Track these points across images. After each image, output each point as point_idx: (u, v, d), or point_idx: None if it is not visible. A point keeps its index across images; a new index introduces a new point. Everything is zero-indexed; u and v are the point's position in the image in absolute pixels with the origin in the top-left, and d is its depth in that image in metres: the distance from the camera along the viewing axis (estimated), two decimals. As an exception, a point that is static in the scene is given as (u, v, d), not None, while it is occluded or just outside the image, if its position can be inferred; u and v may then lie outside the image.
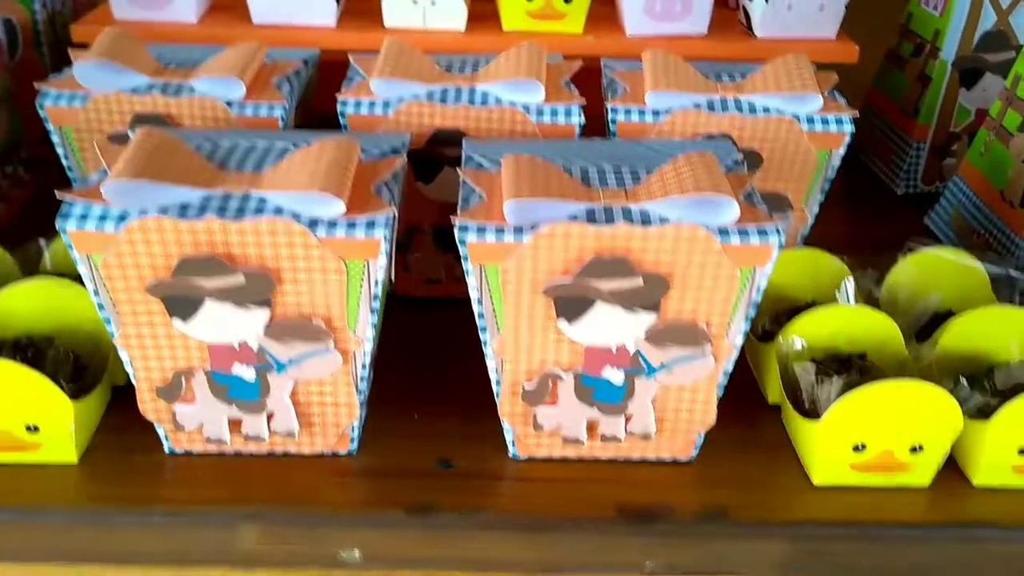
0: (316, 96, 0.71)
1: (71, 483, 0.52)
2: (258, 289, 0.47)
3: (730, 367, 0.50)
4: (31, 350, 0.53)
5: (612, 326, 0.48)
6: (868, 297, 0.62)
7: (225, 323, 0.48)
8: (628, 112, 0.62)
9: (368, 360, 0.50)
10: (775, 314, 0.60)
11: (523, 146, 0.54)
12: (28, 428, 0.51)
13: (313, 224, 0.45)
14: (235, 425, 0.52)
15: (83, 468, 0.52)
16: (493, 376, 0.51)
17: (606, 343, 0.49)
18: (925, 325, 0.59)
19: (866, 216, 0.85)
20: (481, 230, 0.46)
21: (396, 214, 0.47)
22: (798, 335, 0.56)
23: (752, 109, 0.61)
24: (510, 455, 0.54)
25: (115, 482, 0.52)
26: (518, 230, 0.46)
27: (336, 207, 0.45)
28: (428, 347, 0.63)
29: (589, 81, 0.67)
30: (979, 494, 0.53)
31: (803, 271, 0.62)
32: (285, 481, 0.52)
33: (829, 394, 0.51)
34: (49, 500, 0.51)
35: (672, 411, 0.51)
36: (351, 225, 0.46)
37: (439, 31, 0.78)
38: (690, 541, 0.51)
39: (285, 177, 0.47)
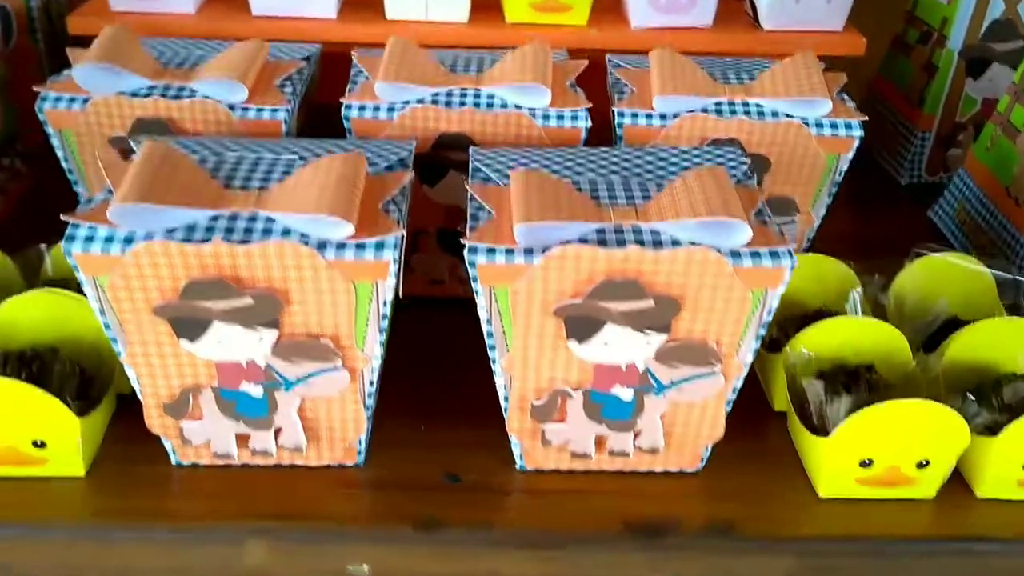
0: (318, 88, 0.69)
1: (77, 496, 0.52)
2: (266, 310, 0.46)
3: (739, 384, 0.50)
4: (36, 363, 0.53)
5: (622, 346, 0.48)
6: (874, 303, 0.62)
7: (232, 343, 0.47)
8: (635, 116, 0.61)
9: (376, 376, 0.50)
10: (781, 321, 0.60)
11: (530, 155, 0.54)
12: (35, 444, 0.51)
13: (321, 246, 0.45)
14: (242, 440, 0.52)
15: (90, 481, 0.52)
16: (501, 392, 0.51)
17: (616, 362, 0.48)
18: (932, 334, 0.59)
19: (870, 208, 0.85)
20: (491, 252, 0.45)
21: (404, 234, 0.46)
22: (806, 346, 0.55)
23: (760, 113, 0.61)
24: (517, 467, 0.54)
25: (122, 495, 0.52)
26: (528, 252, 0.45)
27: (344, 229, 0.45)
28: (432, 351, 0.63)
29: (593, 75, 0.66)
30: (983, 506, 0.53)
31: (809, 277, 0.61)
32: (292, 493, 0.52)
33: (838, 412, 0.51)
34: (56, 514, 0.51)
35: (680, 425, 0.51)
36: (360, 247, 0.45)
37: (442, 23, 0.76)
38: (697, 555, 0.51)
39: (292, 196, 0.46)
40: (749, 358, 0.49)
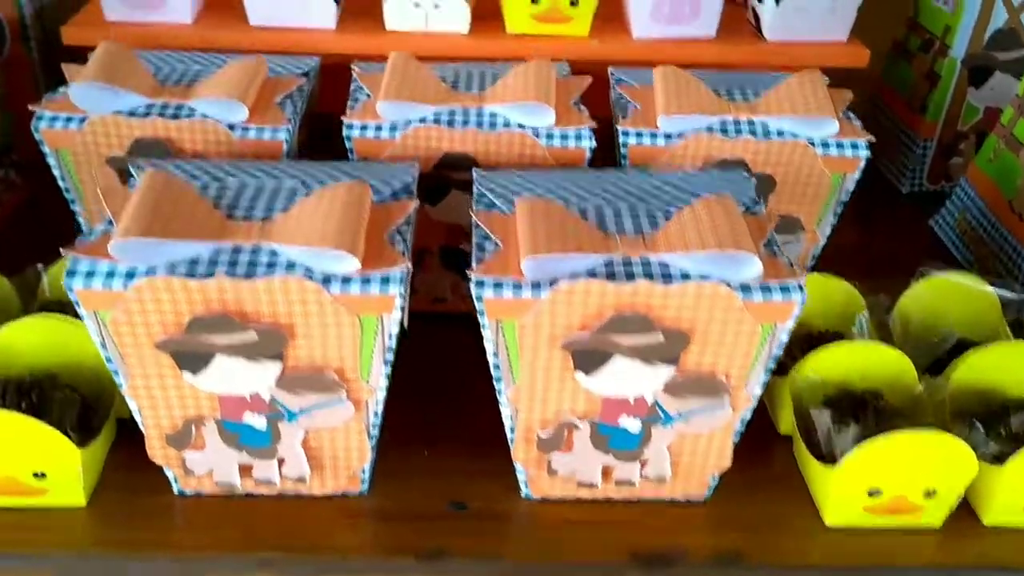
0: (318, 99, 0.68)
1: (79, 527, 0.51)
2: (270, 344, 0.46)
3: (748, 415, 0.50)
4: (35, 391, 0.52)
5: (631, 379, 0.47)
6: (880, 323, 0.61)
7: (236, 376, 0.47)
8: (640, 135, 0.60)
9: (381, 407, 0.50)
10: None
11: (535, 179, 0.53)
12: (35, 475, 0.50)
13: (326, 281, 0.44)
14: (246, 469, 0.51)
15: (91, 511, 0.52)
16: (507, 421, 0.50)
17: (624, 394, 0.48)
18: (939, 356, 0.59)
19: (872, 218, 0.84)
20: (498, 286, 0.45)
21: (410, 267, 0.45)
22: (813, 370, 0.55)
23: (766, 133, 0.60)
24: (523, 495, 0.53)
25: (124, 525, 0.51)
26: (536, 286, 0.45)
27: (350, 263, 0.44)
28: (436, 370, 0.62)
29: (594, 84, 0.65)
30: (990, 534, 0.53)
31: (814, 297, 0.61)
32: (296, 523, 0.52)
33: (846, 440, 0.51)
34: (57, 545, 0.50)
35: (687, 455, 0.51)
36: (365, 281, 0.44)
37: (442, 34, 0.75)
38: (704, 585, 0.51)
39: (296, 228, 0.45)
40: (758, 390, 0.49)
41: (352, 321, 0.45)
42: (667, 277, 0.45)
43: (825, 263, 0.66)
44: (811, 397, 0.55)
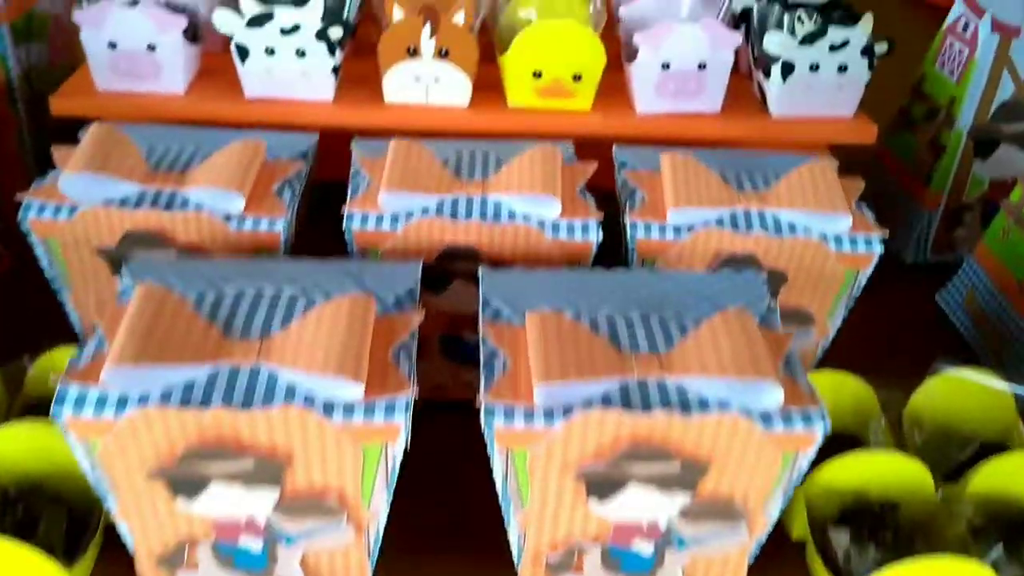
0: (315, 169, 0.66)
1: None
2: (268, 472, 0.44)
3: (764, 539, 0.48)
4: (21, 506, 0.50)
5: (646, 505, 0.45)
6: (893, 422, 0.60)
7: (232, 502, 0.45)
8: (648, 228, 0.59)
9: (382, 529, 0.47)
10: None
11: (543, 280, 0.51)
12: (19, 597, 0.48)
13: (328, 408, 0.42)
14: (240, 589, 0.49)
15: (77, 630, 0.49)
16: (514, 541, 0.48)
17: (638, 520, 0.46)
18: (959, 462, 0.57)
19: (877, 290, 0.82)
20: (509, 414, 0.43)
21: (416, 392, 0.44)
22: (828, 480, 0.53)
23: (778, 227, 0.58)
24: (528, 613, 0.51)
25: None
26: (548, 414, 0.43)
27: (353, 391, 0.42)
28: (437, 466, 0.60)
29: (597, 158, 0.64)
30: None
31: (826, 395, 0.59)
32: (292, 641, 0.49)
33: (865, 564, 0.49)
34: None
35: (702, 575, 0.49)
36: (369, 410, 0.43)
37: (442, 107, 0.74)
38: None
39: (297, 348, 0.43)
40: (775, 515, 0.47)
41: (355, 450, 0.43)
42: (685, 404, 0.43)
43: (833, 351, 0.65)
44: (826, 506, 0.54)
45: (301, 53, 0.71)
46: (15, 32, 0.76)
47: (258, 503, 0.45)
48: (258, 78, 0.72)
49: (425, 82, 0.73)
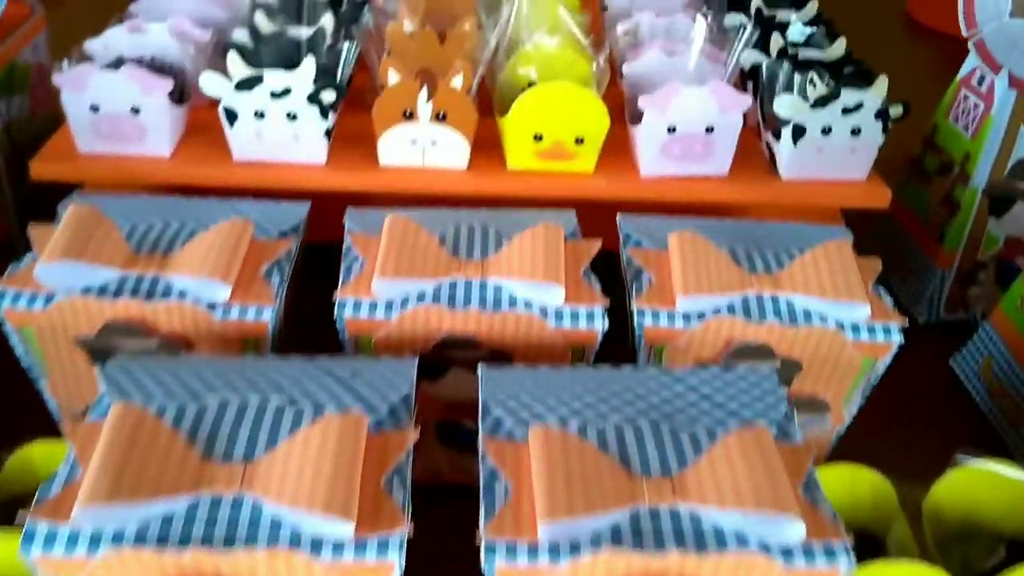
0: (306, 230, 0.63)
1: None
2: (253, 610, 0.41)
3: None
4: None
5: (655, 641, 0.42)
6: (913, 516, 0.57)
7: (214, 639, 0.42)
8: (656, 316, 0.56)
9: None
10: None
11: (546, 384, 0.48)
12: None
13: (316, 546, 0.39)
14: None
15: None
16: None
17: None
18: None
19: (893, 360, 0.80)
20: (511, 552, 0.40)
21: (412, 529, 0.41)
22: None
23: (792, 315, 0.56)
24: None
25: None
26: (554, 550, 0.40)
27: (344, 528, 0.39)
28: (433, 556, 0.57)
29: (601, 218, 0.63)
30: None
31: (841, 490, 0.57)
32: None
33: None
34: None
35: None
36: (360, 547, 0.40)
37: (439, 170, 0.71)
38: None
39: (283, 477, 0.41)
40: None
41: (346, 589, 0.40)
42: (700, 536, 0.41)
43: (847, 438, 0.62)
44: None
45: (292, 116, 0.68)
46: (-4, 86, 0.73)
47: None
48: (247, 141, 0.69)
49: (422, 145, 0.70)
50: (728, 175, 0.72)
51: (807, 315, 0.56)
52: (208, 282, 0.53)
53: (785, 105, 0.69)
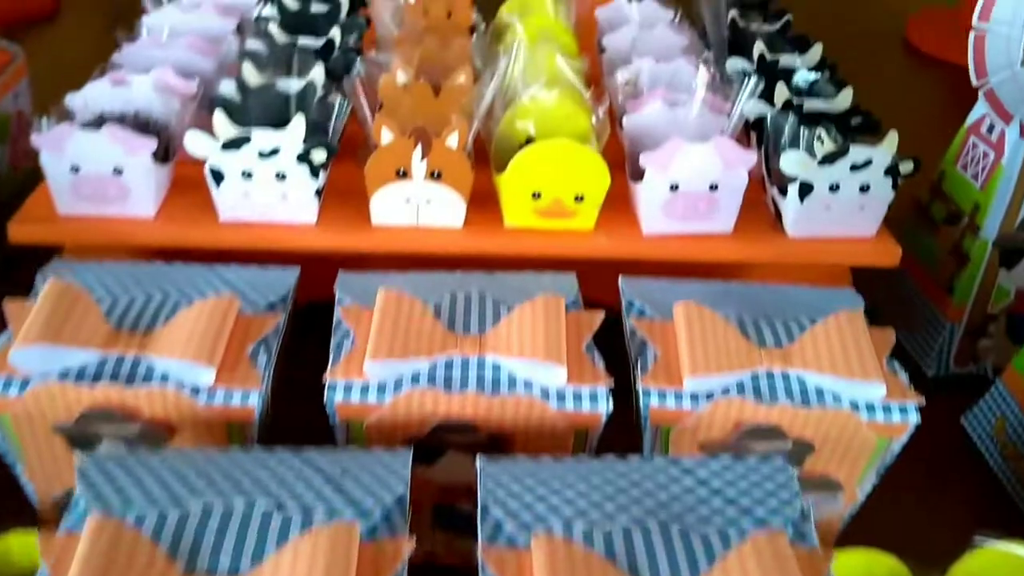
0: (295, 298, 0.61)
1: None
2: None
3: None
4: None
5: None
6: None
7: None
8: (663, 396, 0.53)
9: None
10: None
11: (549, 481, 0.46)
12: None
13: (307, 677, 0.37)
14: None
15: None
16: None
17: None
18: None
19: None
20: None
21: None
22: None
23: (804, 395, 0.53)
24: None
25: None
26: None
27: (336, 657, 0.37)
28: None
29: (603, 276, 0.61)
30: None
31: (858, 574, 0.54)
32: None
33: None
34: None
35: None
36: (354, 676, 0.37)
37: (434, 229, 0.68)
38: None
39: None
40: None
41: None
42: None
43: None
44: None
45: (281, 176, 0.65)
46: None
47: None
48: (234, 201, 0.66)
49: (416, 203, 0.67)
50: (733, 233, 0.70)
51: (819, 394, 0.53)
52: (192, 365, 0.51)
53: (792, 162, 0.67)
